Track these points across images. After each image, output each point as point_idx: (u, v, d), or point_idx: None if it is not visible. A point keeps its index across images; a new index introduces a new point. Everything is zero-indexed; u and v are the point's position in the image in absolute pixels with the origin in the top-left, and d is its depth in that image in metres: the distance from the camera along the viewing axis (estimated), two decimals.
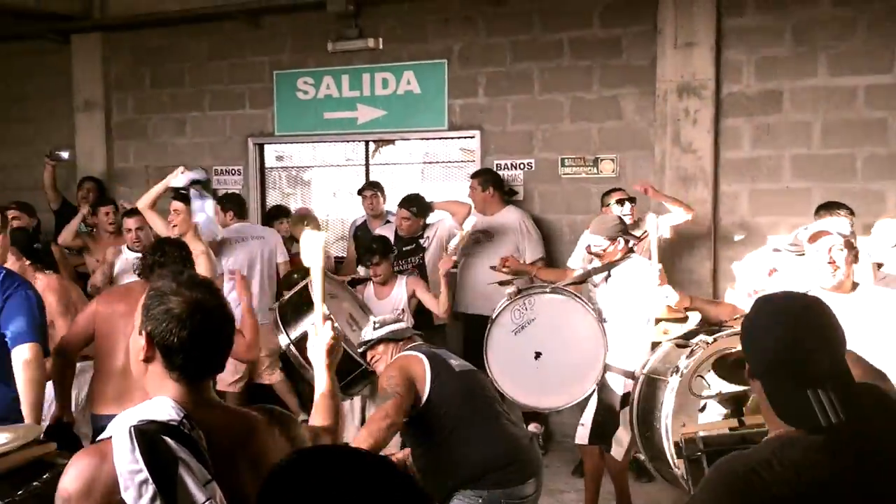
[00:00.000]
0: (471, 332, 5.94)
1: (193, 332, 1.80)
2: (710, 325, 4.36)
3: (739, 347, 1.96)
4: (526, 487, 3.43)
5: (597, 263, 4.87)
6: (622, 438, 4.66)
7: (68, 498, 1.68)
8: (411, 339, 3.91)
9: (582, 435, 4.79)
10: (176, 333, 1.79)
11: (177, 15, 7.74)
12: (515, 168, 6.88)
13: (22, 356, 3.41)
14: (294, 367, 4.68)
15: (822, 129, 6.09)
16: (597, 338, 4.64)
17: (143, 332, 1.83)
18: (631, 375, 4.54)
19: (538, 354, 4.76)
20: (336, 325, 2.43)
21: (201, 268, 5.61)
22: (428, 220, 6.41)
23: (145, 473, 1.63)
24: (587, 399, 4.74)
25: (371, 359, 3.91)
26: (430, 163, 7.60)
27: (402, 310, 5.46)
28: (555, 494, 5.50)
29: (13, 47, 8.59)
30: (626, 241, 4.70)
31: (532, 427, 6.28)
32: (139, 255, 5.99)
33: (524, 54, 6.81)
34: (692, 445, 3.05)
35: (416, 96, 7.18)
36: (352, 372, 4.17)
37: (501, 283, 5.15)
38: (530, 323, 4.78)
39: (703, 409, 3.89)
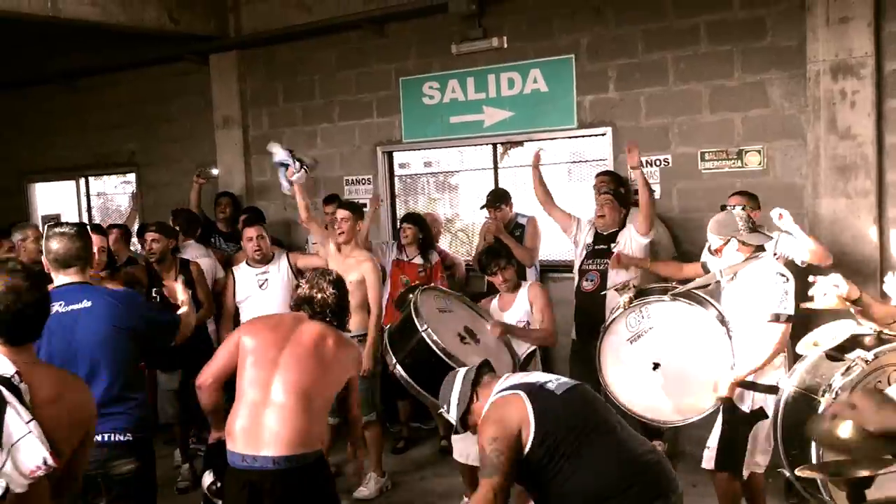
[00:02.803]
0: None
1: (7, 309, 2.37)
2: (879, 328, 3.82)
3: None
4: None
5: (721, 264, 4.42)
6: (760, 462, 4.25)
7: None
8: (491, 375, 3.51)
9: (708, 458, 4.35)
10: None
11: (305, 27, 7.86)
12: (651, 165, 6.45)
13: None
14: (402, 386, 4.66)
15: None
16: (722, 350, 4.27)
17: None
18: (761, 388, 4.14)
19: (656, 365, 4.48)
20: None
21: (371, 281, 5.63)
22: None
23: None
24: (713, 416, 4.33)
25: (473, 425, 3.43)
26: (555, 164, 7.25)
27: (527, 322, 5.15)
28: None
29: (158, 70, 9.02)
30: (743, 243, 4.24)
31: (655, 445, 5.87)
32: (263, 269, 6.14)
33: (657, 43, 6.38)
34: None
35: (543, 95, 6.88)
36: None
37: (618, 290, 4.84)
38: (647, 332, 4.50)
39: None
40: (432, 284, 5.22)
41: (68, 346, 3.42)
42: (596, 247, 5.84)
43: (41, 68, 9.67)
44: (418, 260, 6.51)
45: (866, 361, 3.35)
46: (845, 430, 2.26)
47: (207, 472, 3.77)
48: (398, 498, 5.82)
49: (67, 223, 3.75)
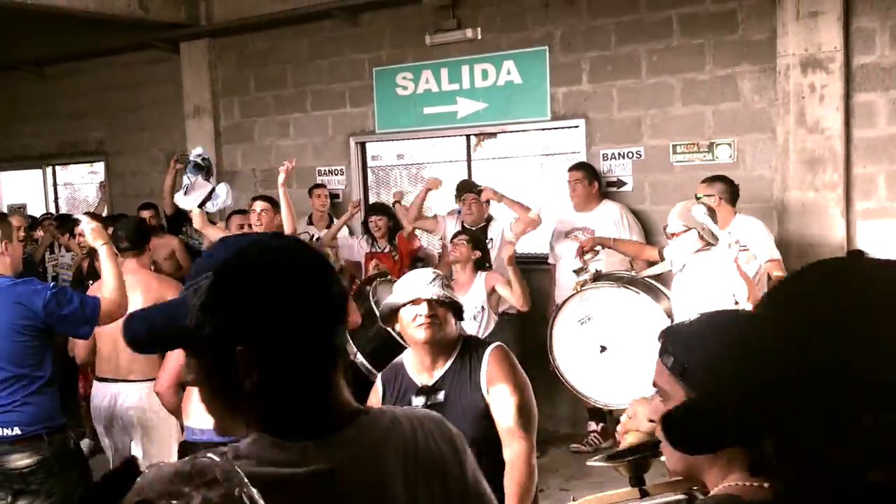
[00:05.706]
0: None
1: None
2: None
3: None
4: None
5: (673, 250, 4.56)
6: None
7: None
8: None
9: None
10: None
11: (278, 16, 7.77)
12: (623, 157, 6.49)
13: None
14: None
15: None
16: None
17: None
18: None
19: (603, 348, 4.66)
20: None
21: None
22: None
23: None
24: None
25: (430, 315, 2.88)
26: (526, 156, 7.27)
27: (482, 307, 5.30)
28: None
29: (128, 58, 8.90)
30: (702, 238, 4.37)
31: (592, 425, 6.08)
32: None
33: (630, 36, 6.41)
34: None
35: (517, 86, 6.89)
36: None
37: (576, 272, 4.94)
38: (597, 315, 4.68)
39: None
40: (389, 277, 5.22)
41: None
42: None
43: (6, 55, 9.48)
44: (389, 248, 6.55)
45: None
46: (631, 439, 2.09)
47: None
48: None
49: None
